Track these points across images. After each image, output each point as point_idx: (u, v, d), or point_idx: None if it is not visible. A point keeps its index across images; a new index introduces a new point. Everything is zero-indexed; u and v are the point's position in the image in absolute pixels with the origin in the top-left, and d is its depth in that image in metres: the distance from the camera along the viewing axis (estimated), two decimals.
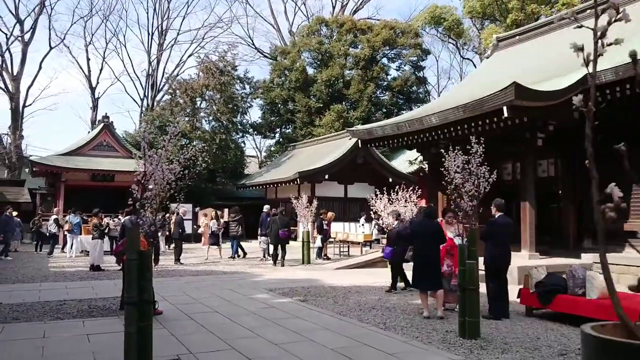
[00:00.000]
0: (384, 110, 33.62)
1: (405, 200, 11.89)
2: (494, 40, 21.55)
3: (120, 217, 15.48)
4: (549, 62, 16.00)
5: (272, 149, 38.57)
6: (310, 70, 35.13)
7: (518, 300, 8.10)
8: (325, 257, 17.59)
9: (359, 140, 17.26)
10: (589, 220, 14.37)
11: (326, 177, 25.76)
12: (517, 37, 20.71)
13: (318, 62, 34.70)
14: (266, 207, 17.16)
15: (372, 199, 12.36)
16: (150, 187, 5.44)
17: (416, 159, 31.08)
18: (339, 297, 9.64)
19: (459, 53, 40.01)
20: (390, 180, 27.22)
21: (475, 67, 40.66)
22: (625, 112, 12.53)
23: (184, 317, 7.67)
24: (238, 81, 31.44)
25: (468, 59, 40.37)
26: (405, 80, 33.99)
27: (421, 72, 35.78)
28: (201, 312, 8.07)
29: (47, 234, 18.96)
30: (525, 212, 13.40)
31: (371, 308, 8.52)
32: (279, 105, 35.29)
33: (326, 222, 17.98)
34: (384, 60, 35.06)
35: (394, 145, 16.99)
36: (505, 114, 11.65)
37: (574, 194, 14.54)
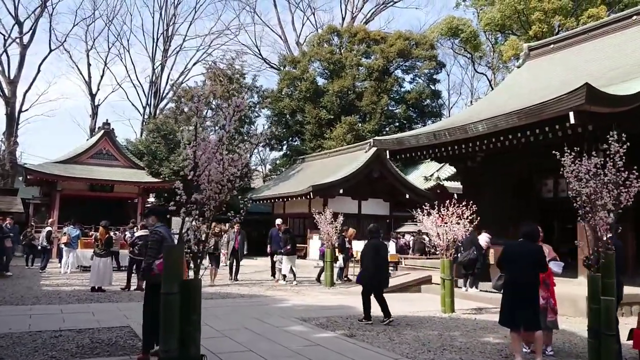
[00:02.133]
0: (397, 123, 32.26)
1: (459, 217, 10.32)
2: (526, 49, 20.23)
3: (131, 230, 13.89)
4: (589, 70, 14.68)
5: (278, 162, 37.08)
6: (321, 81, 33.87)
7: (630, 342, 6.50)
8: (346, 279, 16.00)
9: (387, 152, 15.74)
10: None
11: (340, 191, 24.25)
12: (552, 45, 19.39)
13: (329, 72, 33.39)
14: (279, 221, 15.50)
15: (419, 214, 10.80)
16: (203, 186, 3.90)
17: (432, 175, 29.66)
18: (390, 331, 8.04)
19: (473, 67, 38.88)
20: (407, 196, 25.80)
21: (490, 82, 39.58)
22: None
23: (214, 358, 6.04)
24: (246, 89, 30.05)
25: (482, 73, 39.27)
26: (419, 94, 32.71)
27: (436, 85, 34.54)
28: (233, 352, 6.44)
29: (39, 247, 17.24)
30: (582, 233, 11.83)
31: (440, 348, 6.91)
32: (287, 116, 33.87)
33: (347, 239, 16.37)
34: (398, 72, 33.86)
35: (424, 157, 15.53)
36: (572, 121, 10.19)
37: (634, 213, 13.00)
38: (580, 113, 10.17)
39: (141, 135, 33.23)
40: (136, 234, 13.13)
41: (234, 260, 14.66)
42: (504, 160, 14.36)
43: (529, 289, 6.07)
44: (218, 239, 12.52)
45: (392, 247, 16.89)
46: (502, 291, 6.33)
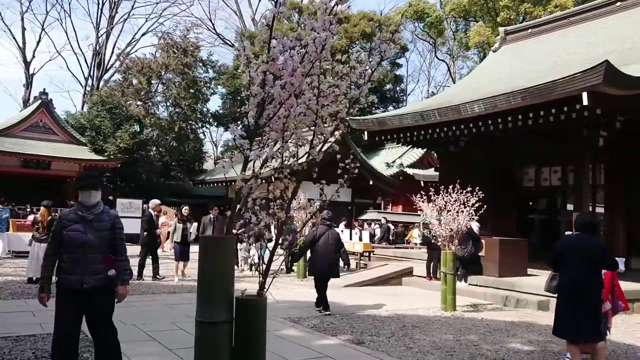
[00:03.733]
0: (359, 108, 31.09)
1: (464, 204, 9.25)
2: (502, 33, 19.57)
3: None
4: (577, 54, 14.06)
5: (231, 143, 35.12)
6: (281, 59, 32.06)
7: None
8: None
9: (366, 133, 14.54)
10: (637, 235, 12.43)
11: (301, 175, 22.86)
12: (530, 30, 18.78)
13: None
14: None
15: (421, 201, 9.63)
16: (275, 133, 2.57)
17: (394, 161, 28.87)
18: (400, 335, 6.88)
19: (435, 53, 38.29)
20: (371, 183, 24.81)
21: (449, 69, 39.21)
22: None
23: None
24: (201, 64, 27.96)
25: (442, 60, 38.77)
26: (383, 77, 31.69)
27: (399, 70, 33.64)
28: None
29: None
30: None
31: (469, 356, 5.80)
32: (244, 95, 31.92)
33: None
34: (362, 54, 32.54)
35: (404, 140, 14.40)
36: (585, 102, 9.33)
37: (622, 205, 12.48)
38: (594, 94, 9.32)
39: (82, 108, 30.50)
40: None
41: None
42: (487, 146, 13.52)
43: (593, 292, 5.02)
44: (187, 225, 10.80)
45: (365, 235, 15.80)
46: (557, 294, 5.25)
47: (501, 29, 20.12)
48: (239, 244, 13.31)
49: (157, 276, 11.07)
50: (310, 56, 2.53)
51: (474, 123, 11.70)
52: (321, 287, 8.54)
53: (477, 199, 8.93)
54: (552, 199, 15.52)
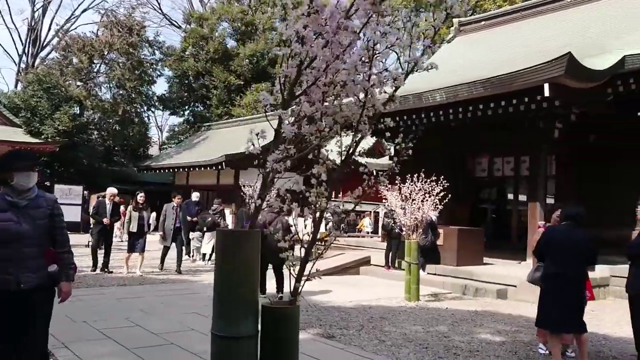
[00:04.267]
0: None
1: (427, 194, 9.12)
2: (456, 24, 19.70)
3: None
4: (533, 47, 14.29)
5: (178, 128, 34.00)
6: (231, 43, 31.22)
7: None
8: None
9: None
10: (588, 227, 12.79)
11: (255, 162, 22.31)
12: (483, 22, 19.03)
13: (240, 34, 30.85)
14: (195, 195, 13.29)
15: (385, 189, 9.44)
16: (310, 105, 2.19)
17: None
18: (369, 328, 6.67)
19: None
20: None
21: (399, 60, 39.32)
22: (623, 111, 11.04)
23: None
24: (147, 44, 26.67)
25: (393, 50, 38.62)
26: None
27: None
28: None
29: None
30: (534, 214, 11.38)
31: (445, 350, 5.65)
32: (191, 79, 30.89)
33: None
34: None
35: None
36: (546, 93, 9.42)
37: (573, 196, 12.82)
38: (555, 86, 9.42)
39: (16, 87, 28.50)
40: None
41: (179, 245, 11.12)
42: (443, 136, 13.54)
43: (578, 285, 4.97)
44: (143, 214, 10.04)
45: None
46: (541, 286, 5.15)
47: (455, 20, 20.23)
48: (191, 232, 12.80)
49: (106, 269, 10.36)
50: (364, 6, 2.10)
51: (435, 112, 11.65)
52: (276, 273, 8.57)
53: (441, 188, 8.84)
54: (504, 189, 15.83)
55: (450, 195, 9.11)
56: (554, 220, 5.94)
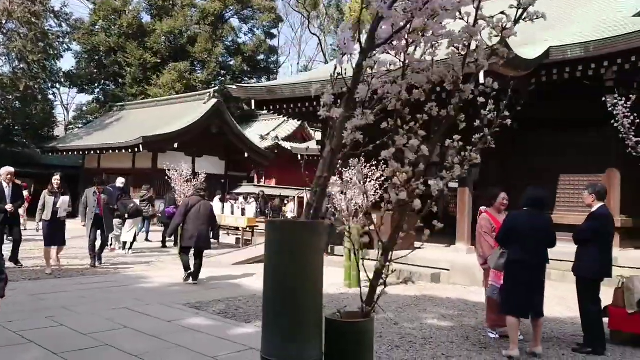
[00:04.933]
0: (231, 76, 29.77)
1: (366, 178, 8.98)
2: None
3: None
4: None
5: (86, 107, 31.66)
6: (147, 18, 29.43)
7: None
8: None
9: (253, 101, 13.68)
10: (510, 210, 13.33)
11: (175, 145, 21.33)
12: None
13: (157, 10, 29.13)
14: (120, 181, 12.30)
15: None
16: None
17: (268, 134, 28.22)
18: None
19: (308, 27, 37.95)
20: (247, 155, 24.03)
21: (321, 45, 39.30)
22: (549, 99, 11.60)
23: None
24: (52, 15, 24.40)
25: (315, 34, 38.64)
26: (257, 47, 30.61)
27: (274, 41, 32.78)
28: None
29: None
30: (463, 199, 11.66)
31: (401, 339, 5.52)
32: (102, 55, 28.77)
33: None
34: (235, 20, 31.12)
35: (292, 112, 13.84)
36: (481, 80, 9.51)
37: (500, 181, 13.29)
38: (489, 73, 9.54)
39: None
40: None
41: (100, 234, 9.71)
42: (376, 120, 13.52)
43: (541, 270, 4.98)
44: (60, 199, 8.90)
45: (250, 209, 15.05)
46: (505, 271, 5.10)
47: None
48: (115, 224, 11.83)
49: (15, 262, 9.20)
50: None
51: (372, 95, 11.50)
52: (196, 258, 8.51)
53: (381, 172, 8.72)
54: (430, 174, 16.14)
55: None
56: (499, 204, 5.92)
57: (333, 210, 9.51)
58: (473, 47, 1.59)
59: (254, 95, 13.64)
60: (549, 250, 5.04)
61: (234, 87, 14.50)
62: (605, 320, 5.63)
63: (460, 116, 1.65)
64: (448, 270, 10.03)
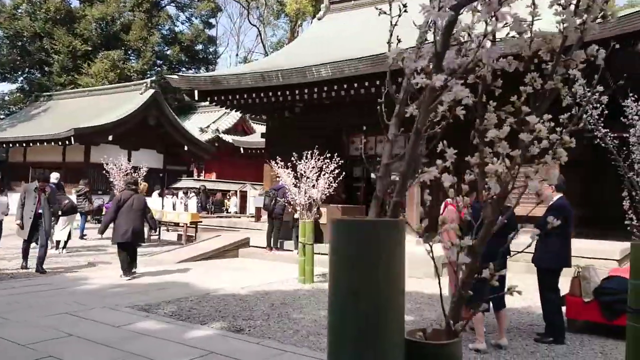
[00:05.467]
0: (167, 65, 28.65)
1: (320, 171, 8.73)
2: (326, 2, 19.62)
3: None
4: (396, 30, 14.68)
5: (8, 97, 29.50)
6: (76, 3, 27.73)
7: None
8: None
9: (196, 92, 13.12)
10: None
11: (110, 138, 20.26)
12: (353, 1, 19.16)
13: None
14: (55, 176, 11.44)
15: (276, 166, 8.81)
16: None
17: (208, 126, 27.45)
18: (275, 316, 6.17)
19: (248, 17, 37.17)
20: (186, 148, 23.25)
21: (261, 36, 38.68)
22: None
23: None
24: None
25: (254, 25, 37.90)
26: (195, 36, 29.61)
27: (212, 31, 31.82)
28: None
29: None
30: (412, 192, 11.69)
31: None
32: (27, 41, 26.85)
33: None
34: (172, 8, 29.95)
35: (238, 103, 13.42)
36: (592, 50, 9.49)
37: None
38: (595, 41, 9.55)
39: None
40: None
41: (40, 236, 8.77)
42: (321, 113, 13.36)
43: (504, 259, 4.95)
44: None
45: (192, 204, 14.49)
46: None
47: None
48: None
49: None
50: None
51: (319, 87, 11.33)
52: (131, 254, 8.42)
53: (335, 165, 8.56)
54: (375, 168, 16.20)
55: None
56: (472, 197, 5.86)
57: (285, 203, 9.23)
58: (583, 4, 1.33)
59: (198, 85, 13.09)
60: None
61: (176, 76, 13.85)
62: (563, 309, 5.74)
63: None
64: None
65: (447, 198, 6.12)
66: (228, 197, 23.45)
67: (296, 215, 10.72)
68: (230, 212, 22.40)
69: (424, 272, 9.78)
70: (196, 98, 13.19)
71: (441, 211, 6.09)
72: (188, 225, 13.84)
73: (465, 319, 5.14)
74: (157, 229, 10.57)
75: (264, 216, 15.18)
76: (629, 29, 9.50)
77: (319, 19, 19.42)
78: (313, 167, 8.49)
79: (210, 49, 32.04)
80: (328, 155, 8.51)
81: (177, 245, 13.17)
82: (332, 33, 17.46)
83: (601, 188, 12.02)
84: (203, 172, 27.36)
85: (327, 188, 8.55)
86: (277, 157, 8.55)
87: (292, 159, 8.66)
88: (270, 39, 39.22)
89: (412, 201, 11.67)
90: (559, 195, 5.42)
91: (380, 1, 18.40)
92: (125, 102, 21.59)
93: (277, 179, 12.23)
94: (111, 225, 8.60)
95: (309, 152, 8.61)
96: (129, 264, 8.35)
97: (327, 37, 16.97)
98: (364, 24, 17.17)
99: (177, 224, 14.53)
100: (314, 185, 8.40)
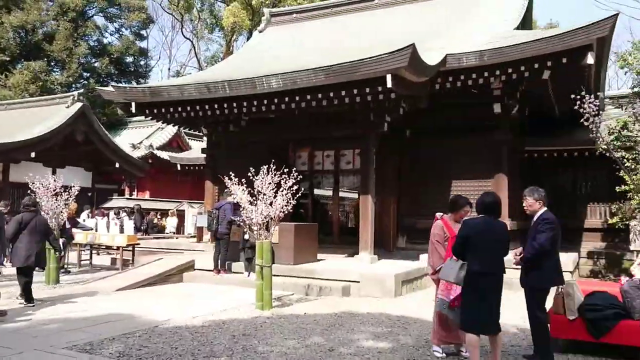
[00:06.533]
0: (95, 78, 27.00)
1: (278, 187, 8.10)
2: (267, 15, 19.21)
3: None
4: (338, 43, 14.46)
5: None
6: None
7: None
8: (64, 271, 11.90)
9: (133, 104, 12.14)
10: (404, 216, 13.35)
11: (32, 155, 18.60)
12: (295, 14, 18.86)
13: (4, 1, 25.45)
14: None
15: (230, 182, 8.07)
16: None
17: (141, 142, 25.99)
18: (239, 350, 5.51)
19: (181, 30, 35.90)
20: (117, 165, 21.82)
21: (195, 49, 37.55)
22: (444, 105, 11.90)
23: None
24: None
25: (188, 39, 36.70)
26: (125, 48, 28.15)
27: (143, 43, 30.41)
28: None
29: None
30: (366, 207, 11.36)
31: None
32: None
33: (67, 217, 12.10)
34: (100, 18, 28.35)
35: (179, 116, 12.53)
36: (389, 84, 9.29)
37: (394, 187, 13.26)
38: (396, 77, 9.35)
39: None
40: None
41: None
42: (267, 127, 12.78)
43: (502, 281, 4.59)
44: None
45: (128, 225, 13.37)
46: (465, 284, 4.61)
47: (266, 10, 19.75)
48: None
49: None
50: None
51: (269, 99, 10.76)
52: (27, 279, 7.90)
53: (293, 180, 8.00)
54: (325, 182, 15.80)
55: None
56: (460, 215, 5.43)
57: (237, 221, 8.51)
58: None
59: (135, 97, 12.13)
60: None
61: (110, 87, 12.78)
62: None
63: None
64: (358, 282, 9.57)
65: (437, 212, 5.73)
66: (159, 217, 22.11)
67: (246, 237, 10.08)
68: (167, 233, 21.13)
69: (381, 291, 9.40)
70: (133, 111, 12.18)
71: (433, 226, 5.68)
72: (124, 248, 12.72)
73: (448, 342, 4.64)
74: (61, 251, 10.07)
75: (206, 236, 14.33)
76: (567, 46, 9.82)
77: (260, 32, 18.93)
78: (270, 183, 7.88)
79: (142, 62, 30.61)
80: (274, 169, 7.95)
81: (113, 270, 12.06)
82: (274, 45, 17.02)
83: None
84: (135, 190, 25.84)
85: (286, 205, 7.96)
86: (219, 173, 7.99)
87: (233, 174, 8.07)
88: (205, 53, 38.22)
89: (366, 218, 11.29)
90: (545, 208, 5.16)
91: (321, 15, 18.28)
92: (50, 116, 19.94)
93: (224, 195, 11.49)
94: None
95: (260, 168, 8.03)
96: (27, 287, 7.84)
97: (270, 49, 16.49)
98: (306, 36, 16.88)
99: (108, 247, 13.36)
100: (271, 203, 7.79)
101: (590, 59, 9.75)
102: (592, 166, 13.85)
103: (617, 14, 9.64)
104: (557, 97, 12.57)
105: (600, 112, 11.98)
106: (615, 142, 11.15)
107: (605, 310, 5.37)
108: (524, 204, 5.26)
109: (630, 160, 10.79)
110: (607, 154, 10.81)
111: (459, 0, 15.11)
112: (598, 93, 11.95)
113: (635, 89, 12.18)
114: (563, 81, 11.54)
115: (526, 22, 14.59)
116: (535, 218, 5.13)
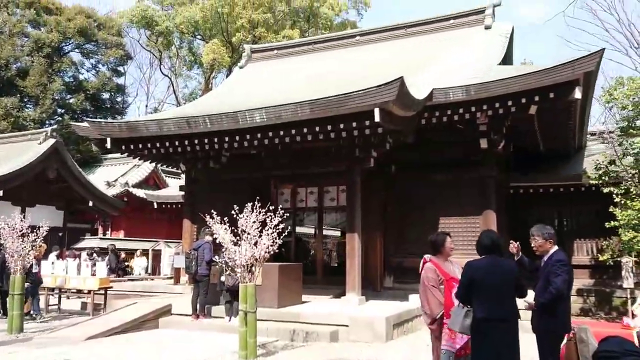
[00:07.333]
0: (70, 115, 26.37)
1: (263, 226, 7.62)
2: (248, 51, 19.08)
3: None
4: (320, 77, 14.31)
5: None
6: None
7: None
8: (31, 316, 11.12)
9: (108, 140, 11.62)
10: (390, 255, 12.92)
11: (0, 194, 17.75)
12: (276, 50, 18.78)
13: None
14: None
15: (211, 222, 7.57)
16: None
17: (116, 180, 25.23)
18: None
19: (160, 67, 35.62)
20: (91, 204, 21.02)
21: (173, 86, 37.27)
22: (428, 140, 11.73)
23: None
24: None
25: (167, 76, 36.43)
26: (102, 84, 27.68)
27: (121, 79, 30.00)
28: None
29: None
30: (353, 246, 10.91)
31: None
32: None
33: (35, 261, 11.34)
34: (77, 54, 27.94)
35: (157, 152, 12.06)
36: (377, 118, 9.02)
37: (380, 223, 12.84)
38: (383, 111, 9.09)
39: None
40: None
41: None
42: (248, 163, 12.38)
43: (516, 327, 4.17)
44: None
45: (101, 267, 12.60)
46: (473, 333, 4.18)
47: (247, 47, 19.61)
48: None
49: None
50: None
51: (252, 134, 10.38)
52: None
53: (280, 218, 7.56)
54: (307, 220, 15.37)
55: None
56: (447, 251, 5.10)
57: (222, 264, 7.98)
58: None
59: (111, 132, 11.62)
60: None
61: (85, 123, 12.25)
62: None
63: None
64: (347, 326, 9.03)
65: (426, 255, 5.35)
66: (124, 257, 21.01)
67: (222, 278, 9.51)
68: (137, 275, 19.99)
69: (372, 335, 8.88)
70: (108, 147, 11.65)
71: (420, 268, 5.29)
72: (95, 291, 11.94)
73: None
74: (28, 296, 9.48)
75: (184, 277, 13.65)
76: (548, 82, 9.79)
77: (241, 67, 18.74)
78: (254, 222, 7.42)
79: (119, 98, 30.11)
80: (259, 206, 7.52)
81: (83, 316, 11.27)
82: (255, 80, 16.82)
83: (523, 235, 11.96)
84: (110, 229, 24.92)
85: (271, 245, 7.48)
86: (198, 210, 7.53)
87: (214, 213, 7.62)
88: (183, 90, 37.97)
89: (353, 257, 10.83)
90: (556, 247, 4.81)
91: (301, 52, 18.23)
92: (21, 152, 19.18)
93: (202, 234, 10.95)
94: None
95: (241, 205, 7.60)
96: None
97: (251, 85, 16.28)
98: (288, 71, 16.74)
99: (78, 290, 12.56)
100: (255, 243, 7.31)
101: (577, 94, 9.68)
102: (578, 202, 13.75)
103: (602, 49, 9.63)
104: (542, 133, 12.51)
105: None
106: (604, 178, 11.03)
107: (622, 357, 4.95)
108: (532, 244, 4.91)
109: (620, 196, 10.65)
110: (596, 189, 10.68)
111: (442, 36, 15.21)
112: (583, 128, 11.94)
113: (620, 124, 12.18)
114: (549, 117, 11.50)
115: (507, 59, 14.69)
116: (545, 258, 4.77)
